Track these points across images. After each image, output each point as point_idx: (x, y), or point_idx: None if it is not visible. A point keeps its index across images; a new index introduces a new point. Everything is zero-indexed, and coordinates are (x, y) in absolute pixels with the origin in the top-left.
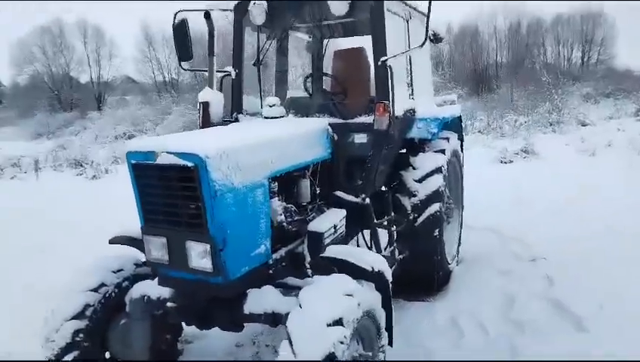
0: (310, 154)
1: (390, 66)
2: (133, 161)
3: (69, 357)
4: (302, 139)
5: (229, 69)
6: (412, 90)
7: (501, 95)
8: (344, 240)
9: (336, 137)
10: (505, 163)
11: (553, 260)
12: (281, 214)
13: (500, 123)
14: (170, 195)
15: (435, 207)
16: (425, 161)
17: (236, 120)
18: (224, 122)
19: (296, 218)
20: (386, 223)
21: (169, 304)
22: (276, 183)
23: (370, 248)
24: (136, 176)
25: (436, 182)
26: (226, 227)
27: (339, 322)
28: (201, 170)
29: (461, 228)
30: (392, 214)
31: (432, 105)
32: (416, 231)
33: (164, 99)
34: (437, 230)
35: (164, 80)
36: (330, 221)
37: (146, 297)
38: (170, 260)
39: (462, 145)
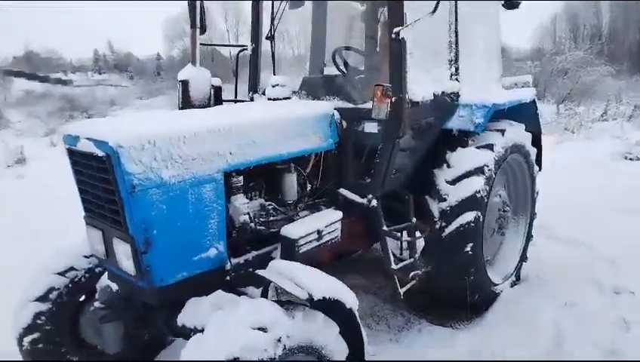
0: (300, 144)
1: (403, 39)
2: (66, 146)
3: (29, 338)
4: (288, 126)
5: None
6: (456, 68)
7: None
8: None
9: (345, 124)
10: (630, 160)
11: None
12: (246, 213)
13: None
14: (94, 186)
15: (468, 216)
16: (463, 159)
17: (251, 100)
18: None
19: (271, 218)
20: (399, 233)
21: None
22: (241, 178)
23: (398, 257)
24: (71, 161)
25: (473, 185)
26: (151, 227)
27: None
28: (113, 160)
29: (527, 240)
30: (414, 220)
31: (496, 88)
32: (442, 243)
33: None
34: (470, 245)
35: (293, 54)
36: (312, 225)
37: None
38: (107, 255)
39: (538, 139)
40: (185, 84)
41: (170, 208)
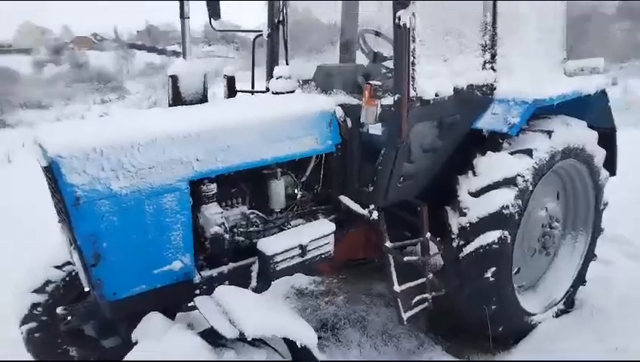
0: (289, 147)
1: (405, 25)
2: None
3: (26, 327)
4: (273, 127)
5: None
6: (492, 55)
7: None
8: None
9: (350, 124)
10: None
11: None
12: (219, 224)
13: None
14: (53, 193)
15: (490, 237)
16: (492, 166)
17: (267, 90)
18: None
19: (253, 229)
20: (407, 249)
21: None
22: (214, 185)
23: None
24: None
25: (500, 199)
26: (100, 240)
27: None
28: (55, 171)
29: (586, 261)
30: (428, 235)
31: (555, 76)
32: (459, 265)
33: None
34: (491, 269)
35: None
36: (293, 239)
37: None
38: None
39: (609, 138)
40: (174, 79)
41: (123, 220)
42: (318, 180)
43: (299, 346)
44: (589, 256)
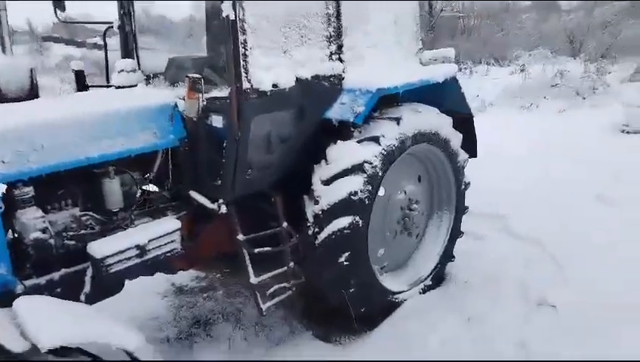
0: (121, 144)
1: (228, 17)
2: None
3: None
4: (99, 124)
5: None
6: (339, 46)
7: None
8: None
9: (194, 118)
10: (628, 133)
11: (565, 313)
12: (41, 229)
13: None
14: None
15: (341, 222)
16: (341, 154)
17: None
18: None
19: (86, 231)
20: (260, 240)
21: None
22: (30, 188)
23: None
24: None
25: (349, 186)
26: None
27: None
28: None
29: (453, 239)
30: (285, 225)
31: (410, 65)
32: (316, 252)
33: None
34: (345, 254)
35: None
36: (128, 240)
37: None
38: None
39: (467, 122)
40: None
41: None
42: (167, 176)
43: (113, 350)
44: (455, 233)
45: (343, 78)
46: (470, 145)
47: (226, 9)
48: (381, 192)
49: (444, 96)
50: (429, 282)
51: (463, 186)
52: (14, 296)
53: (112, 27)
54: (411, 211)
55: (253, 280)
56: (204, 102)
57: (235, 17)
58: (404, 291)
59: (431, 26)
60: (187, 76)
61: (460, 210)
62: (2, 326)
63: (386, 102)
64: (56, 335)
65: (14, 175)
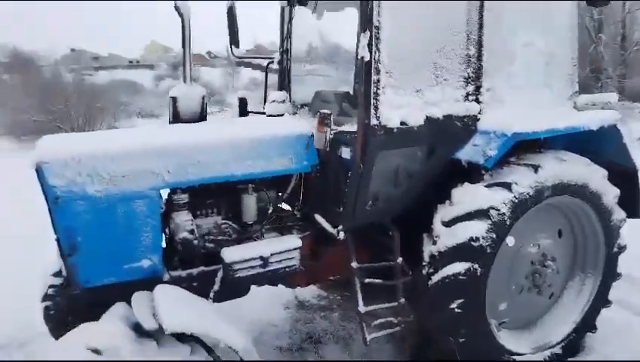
0: (261, 165)
1: (362, 58)
2: None
3: (42, 305)
4: (243, 147)
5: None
6: (477, 85)
7: None
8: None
9: (327, 147)
10: None
11: None
12: (189, 230)
13: None
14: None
15: (457, 267)
16: (466, 197)
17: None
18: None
19: (223, 237)
20: (373, 271)
21: None
22: (185, 195)
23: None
24: None
25: (470, 230)
26: (75, 234)
27: None
28: (39, 173)
29: (596, 306)
30: (399, 260)
31: (564, 110)
32: (428, 293)
33: None
34: (458, 301)
35: None
36: (254, 250)
37: None
38: None
39: (627, 175)
40: (174, 100)
41: (97, 219)
42: (298, 198)
43: (222, 346)
44: (599, 301)
45: (479, 120)
46: (631, 203)
47: (362, 50)
48: (510, 242)
49: (602, 145)
50: (558, 350)
51: (616, 249)
52: (161, 282)
53: (273, 62)
54: (544, 267)
55: (362, 308)
56: (331, 136)
57: (370, 58)
58: (525, 353)
59: (622, 61)
60: (318, 111)
61: (610, 275)
62: (142, 305)
63: (527, 148)
64: (180, 323)
65: (175, 183)
